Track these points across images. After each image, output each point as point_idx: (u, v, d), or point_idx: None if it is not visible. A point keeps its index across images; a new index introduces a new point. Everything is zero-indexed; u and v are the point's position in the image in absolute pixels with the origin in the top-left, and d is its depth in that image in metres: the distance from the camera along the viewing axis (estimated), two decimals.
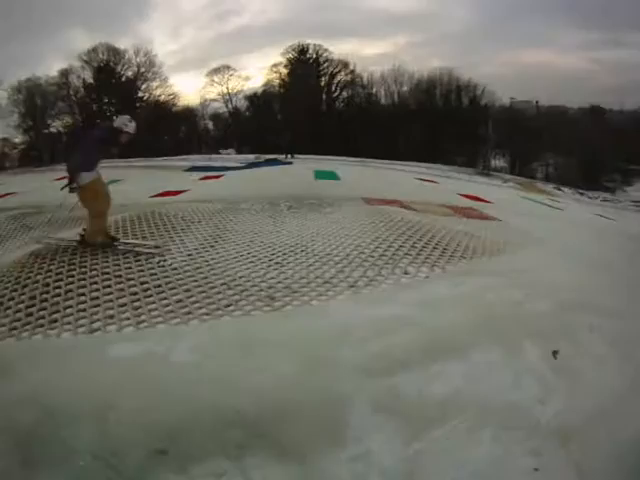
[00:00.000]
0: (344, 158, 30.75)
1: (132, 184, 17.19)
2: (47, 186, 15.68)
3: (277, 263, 6.99)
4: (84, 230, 7.09)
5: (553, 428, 3.78)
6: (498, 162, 51.85)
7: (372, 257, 7.28)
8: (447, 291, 5.95)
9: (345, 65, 54.33)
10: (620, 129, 55.99)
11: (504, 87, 56.54)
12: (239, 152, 46.92)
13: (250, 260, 7.07)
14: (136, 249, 7.06)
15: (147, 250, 7.07)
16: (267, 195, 12.01)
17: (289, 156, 29.83)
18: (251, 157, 32.66)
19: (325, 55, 54.22)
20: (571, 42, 72.51)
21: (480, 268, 7.04)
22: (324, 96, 54.66)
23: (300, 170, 20.78)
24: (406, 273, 6.79)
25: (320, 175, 18.10)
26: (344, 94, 55.17)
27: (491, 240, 8.71)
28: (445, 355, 4.41)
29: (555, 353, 4.65)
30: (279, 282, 6.29)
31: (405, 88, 54.19)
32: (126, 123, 6.76)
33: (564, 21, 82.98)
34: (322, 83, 54.68)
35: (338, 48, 64.15)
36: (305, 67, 53.99)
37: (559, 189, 37.46)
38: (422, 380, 4.07)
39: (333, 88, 55.08)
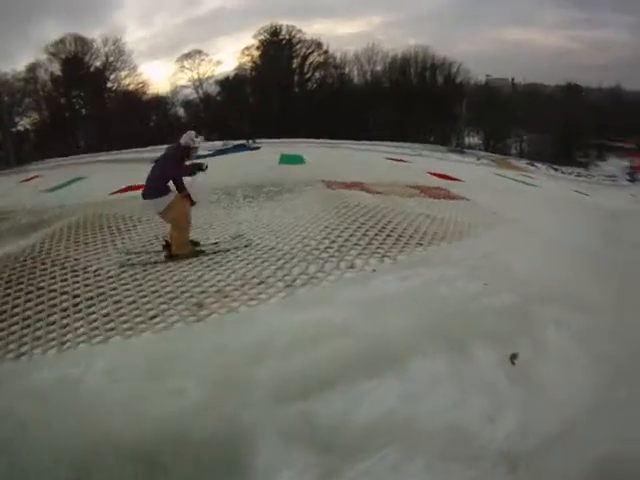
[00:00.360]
0: (314, 140, 29.77)
1: (95, 181, 16.50)
2: (13, 189, 15.16)
3: (216, 263, 6.44)
4: (167, 244, 6.98)
5: (502, 454, 3.13)
6: (472, 139, 51.48)
7: (317, 250, 6.63)
8: (394, 286, 5.21)
9: (318, 45, 52.88)
10: (597, 106, 56.60)
11: (481, 65, 55.55)
12: (209, 139, 45.48)
13: (189, 261, 6.52)
14: (221, 248, 7.10)
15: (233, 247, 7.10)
16: (227, 184, 11.47)
17: (251, 141, 28.94)
18: (219, 144, 31.60)
19: (298, 36, 52.62)
20: (550, 20, 72.24)
21: (437, 256, 6.32)
22: (296, 78, 53.40)
23: (266, 155, 19.93)
24: (352, 267, 6.08)
25: (286, 159, 17.32)
26: (317, 75, 54.01)
27: (455, 222, 8.12)
28: (380, 369, 3.69)
29: (513, 357, 3.96)
30: (212, 285, 5.72)
31: (379, 67, 53.28)
32: (193, 139, 6.82)
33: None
34: (294, 65, 53.48)
35: (312, 29, 63.67)
36: (278, 49, 52.67)
37: (533, 165, 37.11)
38: (347, 402, 3.46)
39: (306, 69, 53.80)
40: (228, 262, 6.41)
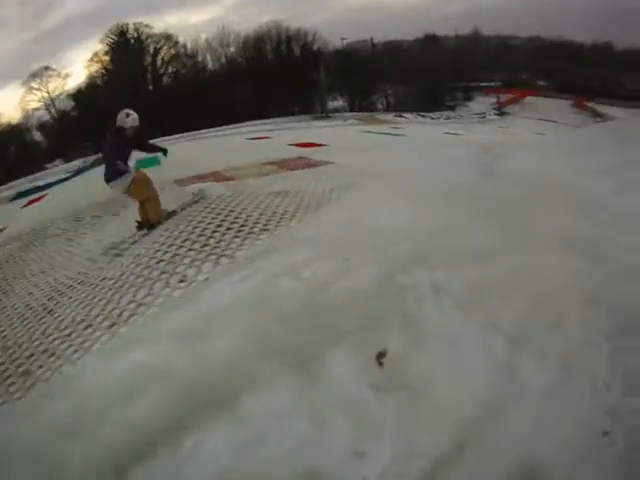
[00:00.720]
0: (174, 136, 27.89)
1: None
2: None
3: (50, 312, 5.29)
4: (139, 224, 7.04)
5: None
6: (337, 103, 51.50)
7: (148, 267, 5.39)
8: (227, 296, 3.99)
9: (168, 38, 50.01)
10: (456, 52, 61.23)
11: (340, 31, 56.35)
12: (73, 158, 41.46)
13: (25, 317, 5.43)
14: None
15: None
16: (77, 207, 10.36)
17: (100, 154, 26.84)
18: (78, 163, 29.06)
19: (146, 32, 49.29)
20: None
21: (286, 240, 5.11)
22: (149, 76, 50.41)
23: None
24: (182, 281, 4.87)
25: (142, 165, 15.68)
26: (170, 69, 51.34)
27: (313, 192, 7.08)
28: (206, 416, 2.72)
29: (380, 357, 2.93)
30: (40, 344, 4.62)
31: (232, 49, 51.74)
32: (124, 119, 6.76)
33: None
34: (146, 62, 50.34)
35: (165, 23, 61.41)
36: (127, 49, 49.20)
37: (401, 116, 37.30)
38: (170, 470, 2.63)
39: (158, 65, 50.83)
40: (60, 307, 5.27)
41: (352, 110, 46.69)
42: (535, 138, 20.75)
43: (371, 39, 60.94)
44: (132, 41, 49.52)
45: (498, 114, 48.10)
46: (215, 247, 5.38)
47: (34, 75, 47.12)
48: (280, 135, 20.52)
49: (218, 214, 6.34)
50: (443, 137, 18.50)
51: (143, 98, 44.40)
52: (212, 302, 3.91)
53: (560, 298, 3.44)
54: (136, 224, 7.02)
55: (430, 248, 4.10)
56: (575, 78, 65.12)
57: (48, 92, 47.88)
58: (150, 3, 65.29)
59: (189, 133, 28.02)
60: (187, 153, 17.21)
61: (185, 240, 5.74)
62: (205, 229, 5.92)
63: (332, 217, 5.64)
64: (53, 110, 48.66)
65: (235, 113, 40.17)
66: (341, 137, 17.72)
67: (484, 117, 45.40)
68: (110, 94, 45.69)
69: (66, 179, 21.75)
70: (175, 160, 15.08)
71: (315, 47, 52.27)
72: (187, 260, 5.25)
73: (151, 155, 15.82)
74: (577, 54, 67.19)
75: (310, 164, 10.20)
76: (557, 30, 65.37)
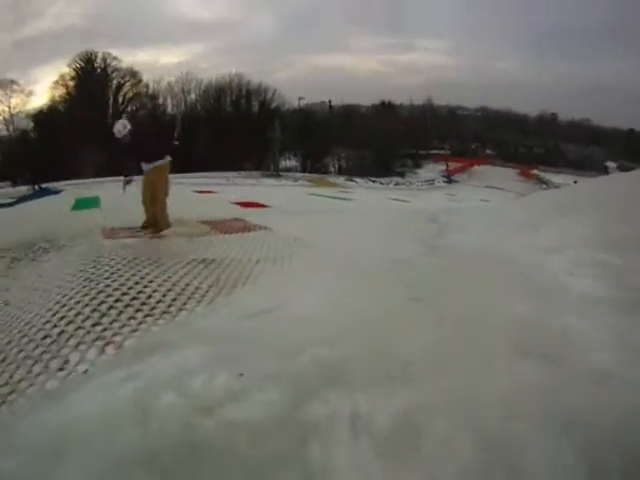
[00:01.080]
0: (120, 178, 26.77)
1: None
2: None
3: None
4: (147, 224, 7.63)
5: None
6: (290, 162, 51.64)
7: (33, 342, 4.44)
8: (98, 403, 3.02)
9: (133, 75, 49.70)
10: (409, 120, 65.57)
11: (301, 91, 58.10)
12: (24, 182, 38.70)
13: None
14: None
15: None
16: (2, 245, 9.25)
17: (36, 186, 25.58)
18: (24, 189, 27.50)
19: (114, 64, 48.94)
20: (368, 46, 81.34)
21: (183, 331, 4.20)
22: (110, 110, 49.14)
23: (62, 201, 17.94)
24: (62, 369, 3.91)
25: (80, 204, 15.49)
26: (130, 107, 50.48)
27: (238, 263, 6.40)
28: None
29: None
30: None
31: (193, 96, 51.62)
32: (119, 129, 7.13)
33: (365, 27, 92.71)
34: (109, 95, 49.29)
35: (136, 57, 65.45)
36: (92, 78, 48.13)
37: (351, 180, 37.49)
38: None
39: (120, 100, 49.97)
40: None
41: (304, 170, 46.84)
42: (482, 206, 20.70)
43: (329, 101, 62.87)
44: (98, 70, 48.71)
45: (447, 181, 49.14)
46: (106, 329, 4.43)
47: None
48: (226, 191, 20.05)
49: (125, 282, 5.46)
50: (390, 204, 18.21)
51: (101, 133, 43.07)
52: (80, 409, 3.01)
53: (519, 439, 2.66)
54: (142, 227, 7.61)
55: (352, 357, 3.30)
56: (520, 147, 68.67)
57: (9, 107, 46.23)
58: (125, 36, 65.25)
59: (137, 177, 26.96)
60: (129, 198, 16.38)
61: (78, 314, 4.83)
62: (103, 302, 4.99)
63: (244, 303, 4.80)
64: (11, 127, 46.69)
65: (189, 161, 39.50)
66: (287, 198, 17.23)
67: (432, 184, 46.36)
68: (69, 122, 44.33)
69: (6, 206, 20.30)
70: (115, 205, 14.34)
71: (273, 104, 52.82)
72: (73, 341, 4.31)
73: (91, 196, 15.46)
74: (522, 124, 71.41)
75: (246, 228, 9.55)
76: (503, 101, 69.77)
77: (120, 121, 7.33)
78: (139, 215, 9.89)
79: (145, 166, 7.65)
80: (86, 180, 27.86)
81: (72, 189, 23.39)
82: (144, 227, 7.60)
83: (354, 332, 3.62)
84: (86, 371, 3.79)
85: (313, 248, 7.29)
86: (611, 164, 65.80)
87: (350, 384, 2.99)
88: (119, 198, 16.45)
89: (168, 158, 7.82)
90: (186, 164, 37.43)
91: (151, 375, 3.27)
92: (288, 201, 16.07)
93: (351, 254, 6.79)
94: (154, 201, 7.66)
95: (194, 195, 17.94)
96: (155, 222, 7.65)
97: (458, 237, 8.16)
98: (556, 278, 5.08)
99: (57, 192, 23.20)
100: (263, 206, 13.60)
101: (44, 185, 26.49)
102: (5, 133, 47.27)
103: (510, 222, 8.87)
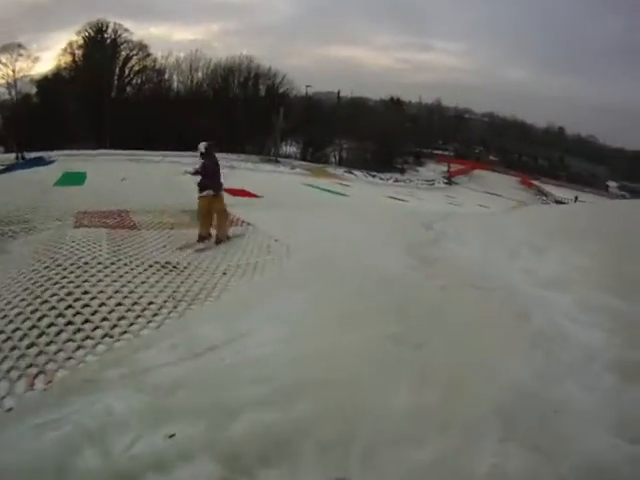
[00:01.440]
0: (125, 153, 25.71)
1: None
2: None
3: None
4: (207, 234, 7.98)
5: None
6: (291, 148, 50.87)
7: None
8: (16, 454, 2.49)
9: (142, 48, 48.11)
10: (416, 118, 66.25)
11: (311, 79, 57.78)
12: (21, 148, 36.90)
13: None
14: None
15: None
16: None
17: (20, 156, 24.71)
18: (12, 157, 26.55)
19: (124, 36, 47.23)
20: (386, 43, 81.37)
21: (117, 369, 3.50)
22: (115, 82, 47.72)
23: (50, 173, 17.12)
24: None
25: (66, 179, 15.27)
26: (136, 80, 49.12)
27: (204, 271, 5.90)
28: None
29: None
30: None
31: (200, 74, 50.44)
32: (200, 147, 8.34)
33: (384, 24, 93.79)
34: (116, 67, 47.92)
35: (148, 32, 64.63)
36: (101, 48, 46.63)
37: (350, 172, 36.73)
38: None
39: (127, 72, 48.57)
40: None
41: (304, 159, 46.01)
42: (480, 214, 20.06)
43: (338, 92, 62.21)
44: (108, 41, 47.35)
45: (447, 183, 48.57)
46: (42, 352, 3.85)
47: (5, 49, 44.46)
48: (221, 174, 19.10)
49: (74, 290, 4.86)
50: (386, 202, 17.54)
51: (104, 104, 42.10)
52: None
53: None
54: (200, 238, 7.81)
55: (301, 428, 2.65)
56: (524, 156, 68.27)
57: (14, 71, 44.93)
58: (140, 8, 64.07)
59: (135, 152, 25.89)
60: (115, 177, 15.70)
61: (16, 330, 4.20)
62: (45, 316, 4.37)
63: (194, 332, 4.14)
64: (14, 91, 45.50)
65: (190, 139, 38.46)
66: (280, 188, 16.49)
67: (432, 184, 45.73)
68: (73, 90, 43.22)
69: None
70: (99, 184, 13.71)
71: (281, 90, 51.87)
72: (6, 365, 3.75)
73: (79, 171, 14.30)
74: (528, 134, 71.35)
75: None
76: (511, 109, 70.03)
77: (203, 143, 8.35)
78: (110, 199, 9.36)
79: (207, 192, 8.13)
80: (81, 151, 26.82)
81: (64, 160, 22.68)
82: (200, 239, 7.87)
83: (311, 389, 2.97)
84: (10, 409, 3.21)
85: (293, 255, 6.67)
86: (612, 183, 66.40)
87: (293, 464, 2.39)
88: (107, 176, 15.99)
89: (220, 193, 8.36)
90: (188, 143, 36.67)
91: (74, 425, 2.67)
92: (281, 191, 15.34)
93: (334, 266, 6.13)
94: (210, 220, 8.10)
95: (185, 178, 17.12)
96: (208, 235, 8.02)
97: (453, 249, 7.59)
98: (558, 324, 4.49)
99: (49, 162, 22.49)
100: (254, 196, 12.95)
101: (32, 155, 25.47)
102: (8, 97, 45.82)
103: (510, 239, 8.28)
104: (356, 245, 7.74)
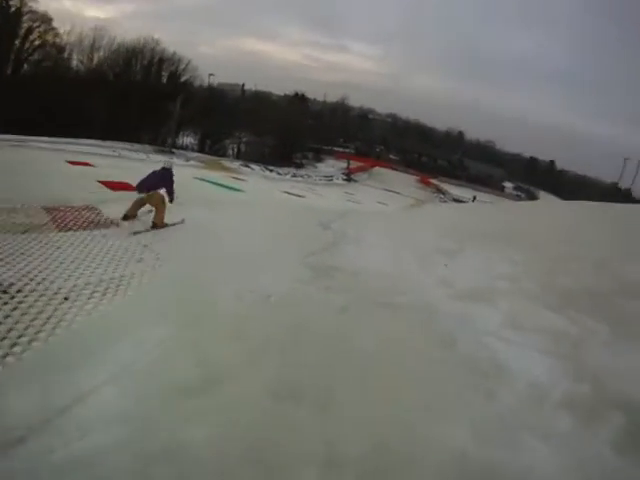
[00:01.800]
0: (7, 137, 22.41)
1: None
2: None
3: None
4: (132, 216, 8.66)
5: None
6: (188, 139, 48.86)
7: None
8: None
9: (46, 20, 42.77)
10: (319, 115, 68.18)
11: (217, 69, 55.73)
12: None
13: None
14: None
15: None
16: None
17: None
18: None
19: (30, 5, 41.63)
20: (297, 40, 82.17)
21: None
22: (12, 56, 42.18)
23: None
24: None
25: None
26: (36, 55, 43.62)
27: (44, 292, 4.44)
28: None
29: None
30: None
31: (102, 53, 46.54)
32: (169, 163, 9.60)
33: (299, 22, 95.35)
34: (16, 41, 42.51)
35: (61, 3, 58.36)
36: (4, 16, 41.15)
37: (247, 166, 35.32)
38: None
39: (26, 47, 43.26)
40: None
41: (202, 150, 43.93)
42: (381, 212, 19.45)
43: (242, 84, 60.79)
44: (13, 9, 41.95)
45: (346, 179, 48.38)
46: None
47: None
48: (103, 164, 17.01)
49: None
50: (282, 198, 16.52)
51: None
52: None
53: None
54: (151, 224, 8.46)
55: None
56: (424, 157, 70.28)
57: None
58: None
59: (21, 137, 22.57)
60: None
61: None
62: None
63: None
64: None
65: (85, 124, 35.54)
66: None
67: (331, 180, 45.33)
68: None
69: None
70: None
71: (184, 77, 49.58)
72: None
73: None
74: (429, 136, 74.37)
75: (91, 223, 7.57)
76: (414, 112, 72.98)
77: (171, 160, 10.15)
78: None
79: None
80: None
81: None
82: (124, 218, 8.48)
83: None
84: None
85: (158, 269, 5.50)
86: (508, 184, 70.39)
87: None
88: None
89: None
90: (80, 128, 33.73)
91: None
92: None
93: (205, 288, 4.95)
94: (139, 206, 8.76)
95: (64, 166, 15.03)
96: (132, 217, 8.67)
97: (355, 255, 6.64)
98: (490, 350, 3.62)
99: None
100: (133, 190, 11.39)
101: None
102: None
103: (418, 242, 7.47)
104: (241, 252, 6.62)
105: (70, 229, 7.01)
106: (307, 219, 10.41)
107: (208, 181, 17.33)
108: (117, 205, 8.76)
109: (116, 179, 12.57)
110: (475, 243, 6.87)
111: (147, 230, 8.10)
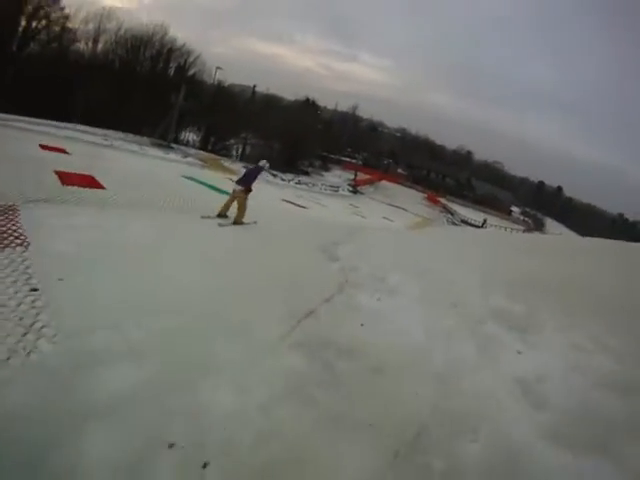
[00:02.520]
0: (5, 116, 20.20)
1: None
2: None
3: None
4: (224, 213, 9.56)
5: None
6: (191, 135, 47.13)
7: None
8: None
9: (56, 1, 41.12)
10: (329, 123, 67.81)
11: (231, 70, 54.87)
12: None
13: None
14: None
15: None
16: None
17: None
18: None
19: None
20: (312, 47, 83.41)
21: None
22: (19, 34, 39.65)
23: None
24: None
25: None
26: (42, 36, 41.13)
27: None
28: None
29: None
30: None
31: (107, 37, 44.18)
32: (264, 164, 10.00)
33: (313, 29, 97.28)
34: (22, 18, 40.05)
35: None
36: None
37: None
38: None
39: (33, 26, 40.71)
40: None
41: (204, 148, 41.66)
42: (398, 235, 17.26)
43: (254, 86, 59.82)
44: None
45: (352, 191, 46.50)
46: None
47: None
48: (79, 152, 14.67)
49: None
50: (282, 208, 14.50)
51: (3, 59, 35.16)
52: None
53: None
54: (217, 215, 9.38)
55: None
56: (433, 174, 68.72)
57: None
58: None
59: (3, 115, 20.27)
60: None
61: None
62: None
63: None
64: None
65: (85, 109, 33.63)
66: (147, 180, 12.48)
67: (337, 190, 43.34)
68: None
69: None
70: None
71: (191, 71, 47.73)
72: None
73: None
74: (438, 153, 73.16)
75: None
76: (424, 128, 72.55)
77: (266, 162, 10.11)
78: None
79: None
80: None
81: None
82: (219, 215, 9.40)
83: None
84: None
85: (43, 336, 3.20)
86: (515, 209, 68.82)
87: None
88: None
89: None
90: (77, 113, 31.81)
91: None
92: (144, 184, 11.30)
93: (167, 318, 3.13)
94: (230, 205, 9.55)
95: (32, 150, 12.61)
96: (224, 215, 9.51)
97: (372, 316, 4.52)
98: None
99: None
100: (98, 186, 9.05)
101: None
102: None
103: (460, 291, 5.23)
104: (199, 303, 4.34)
105: None
106: (306, 242, 8.14)
107: (198, 181, 15.08)
108: (51, 206, 6.48)
109: (85, 171, 10.38)
110: (549, 305, 4.62)
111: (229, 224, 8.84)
